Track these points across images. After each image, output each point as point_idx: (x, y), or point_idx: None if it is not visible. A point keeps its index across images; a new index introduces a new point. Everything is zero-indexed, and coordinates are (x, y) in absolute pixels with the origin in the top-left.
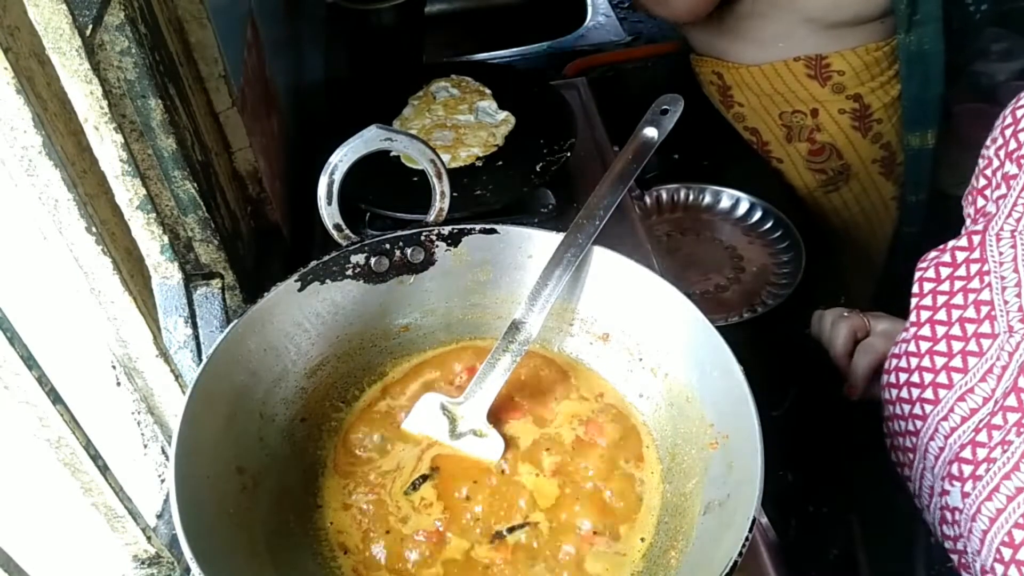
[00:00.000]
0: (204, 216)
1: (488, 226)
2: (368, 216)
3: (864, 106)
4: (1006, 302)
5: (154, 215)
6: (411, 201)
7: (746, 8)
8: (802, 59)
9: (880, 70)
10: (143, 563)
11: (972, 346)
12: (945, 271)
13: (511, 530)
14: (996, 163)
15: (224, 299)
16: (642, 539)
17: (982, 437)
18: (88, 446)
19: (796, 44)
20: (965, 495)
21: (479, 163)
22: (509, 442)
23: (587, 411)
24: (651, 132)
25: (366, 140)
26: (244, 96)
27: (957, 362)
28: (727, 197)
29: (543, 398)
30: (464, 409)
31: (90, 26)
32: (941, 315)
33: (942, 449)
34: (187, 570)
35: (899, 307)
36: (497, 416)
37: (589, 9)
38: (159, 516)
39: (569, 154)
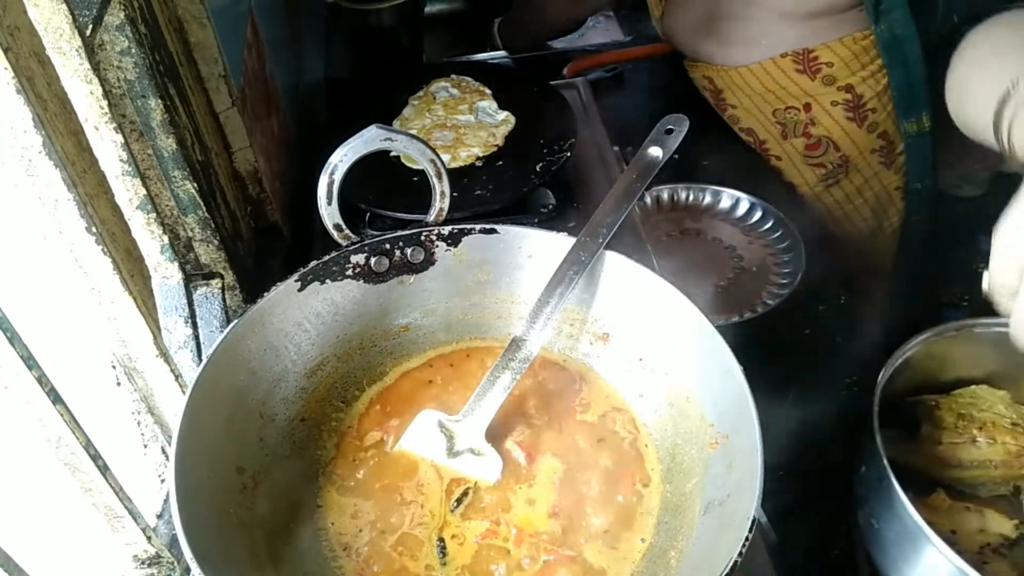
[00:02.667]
0: (204, 216)
1: (488, 226)
2: (368, 216)
3: (857, 96)
4: None
5: (154, 215)
6: (411, 201)
7: (721, 11)
8: (789, 55)
9: (869, 59)
10: (143, 563)
11: None
12: None
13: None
14: None
15: (224, 299)
16: (642, 539)
17: None
18: (88, 446)
19: (779, 40)
20: None
21: (479, 163)
22: (507, 460)
23: (591, 419)
24: (655, 152)
25: (366, 140)
26: (244, 96)
27: None
28: (727, 197)
29: (545, 407)
30: (462, 427)
31: (90, 26)
32: None
33: None
34: (187, 570)
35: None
36: (496, 433)
37: None
38: (159, 516)
39: (569, 154)
